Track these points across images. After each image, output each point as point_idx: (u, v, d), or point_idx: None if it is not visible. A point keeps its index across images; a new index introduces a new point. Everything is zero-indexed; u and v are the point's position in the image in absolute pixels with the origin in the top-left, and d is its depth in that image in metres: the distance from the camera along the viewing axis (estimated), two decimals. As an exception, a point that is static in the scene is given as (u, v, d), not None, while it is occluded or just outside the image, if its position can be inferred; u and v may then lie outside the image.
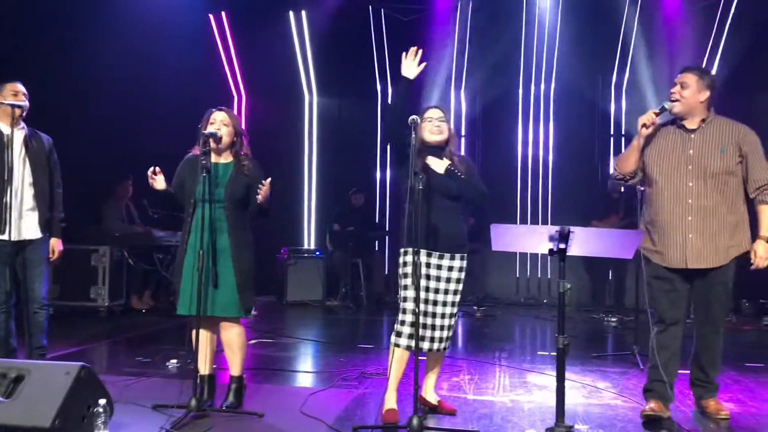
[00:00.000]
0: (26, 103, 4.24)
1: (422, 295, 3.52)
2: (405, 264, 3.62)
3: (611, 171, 3.80)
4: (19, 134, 4.27)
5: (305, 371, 5.07)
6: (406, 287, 3.58)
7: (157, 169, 3.72)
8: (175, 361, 4.98)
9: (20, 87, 4.30)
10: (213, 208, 3.78)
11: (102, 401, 3.16)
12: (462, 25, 9.64)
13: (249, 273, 3.88)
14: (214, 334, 3.93)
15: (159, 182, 3.73)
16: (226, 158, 3.91)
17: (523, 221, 9.63)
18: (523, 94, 9.74)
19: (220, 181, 3.82)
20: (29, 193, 4.26)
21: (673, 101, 3.65)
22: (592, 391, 4.47)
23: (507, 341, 6.37)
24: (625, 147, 8.81)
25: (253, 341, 6.32)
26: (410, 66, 3.56)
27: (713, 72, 8.92)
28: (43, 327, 4.35)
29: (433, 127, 3.68)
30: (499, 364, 5.33)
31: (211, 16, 9.48)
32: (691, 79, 3.65)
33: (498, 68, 9.60)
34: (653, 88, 8.85)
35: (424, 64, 3.57)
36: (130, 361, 5.20)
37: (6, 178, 4.16)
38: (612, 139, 9.65)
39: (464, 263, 3.69)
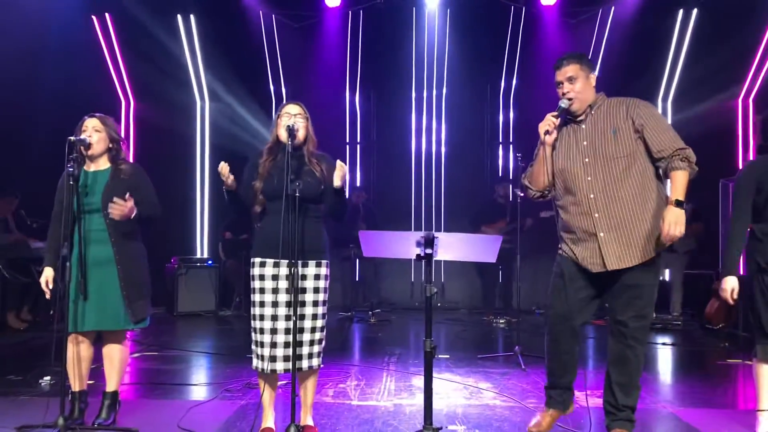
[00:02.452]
0: None
1: (268, 311, 3.38)
2: (254, 277, 3.46)
3: (522, 192, 3.45)
4: None
5: (189, 384, 4.93)
6: (258, 303, 3.43)
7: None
8: (48, 378, 4.74)
9: None
10: (91, 217, 3.62)
11: (-46, 425, 2.97)
12: (354, 33, 9.73)
13: (140, 282, 3.72)
14: (91, 348, 3.75)
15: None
16: (103, 165, 3.75)
17: (417, 226, 9.79)
18: (416, 102, 9.93)
19: (96, 188, 3.65)
20: None
21: (569, 99, 3.32)
22: (473, 392, 4.59)
23: (398, 345, 6.44)
24: (513, 155, 9.23)
25: (136, 354, 6.12)
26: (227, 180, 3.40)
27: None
28: None
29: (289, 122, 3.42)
30: (387, 368, 5.38)
31: (94, 18, 9.12)
32: (574, 69, 3.32)
33: (391, 75, 9.79)
34: (542, 95, 9.25)
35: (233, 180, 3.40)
36: (0, 381, 4.90)
37: None
38: (501, 146, 9.98)
39: (322, 270, 3.47)
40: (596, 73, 3.47)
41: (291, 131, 3.34)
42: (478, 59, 9.58)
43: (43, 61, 7.79)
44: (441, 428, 3.03)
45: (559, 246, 3.43)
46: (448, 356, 5.99)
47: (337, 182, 3.35)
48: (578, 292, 3.33)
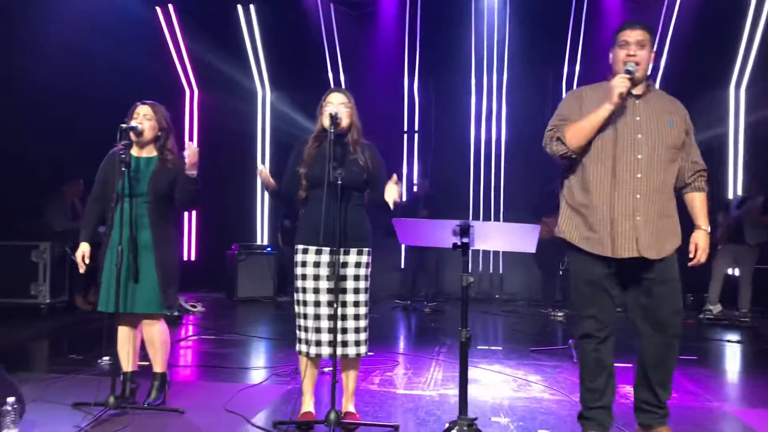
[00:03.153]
0: None
1: (311, 297, 3.42)
2: (297, 264, 3.49)
3: (553, 147, 3.07)
4: None
5: (241, 367, 5.03)
6: (301, 289, 3.47)
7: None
8: (107, 358, 4.90)
9: None
10: (135, 202, 3.72)
11: (11, 399, 3.10)
12: (412, 20, 9.67)
13: (172, 269, 3.80)
14: (138, 330, 3.87)
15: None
16: (150, 152, 3.84)
17: (476, 216, 9.68)
18: (476, 89, 9.79)
19: (142, 175, 3.75)
20: None
21: (636, 64, 3.03)
22: (522, 385, 4.51)
23: (450, 336, 6.39)
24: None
25: (194, 337, 6.28)
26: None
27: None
28: None
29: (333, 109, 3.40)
30: (437, 358, 5.35)
31: (158, 9, 9.36)
32: (645, 35, 3.06)
33: (450, 62, 9.67)
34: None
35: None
36: (63, 359, 5.12)
37: None
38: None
39: (363, 258, 3.47)
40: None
41: (334, 119, 3.34)
42: (540, 45, 9.34)
43: (109, 51, 8.03)
44: (476, 419, 2.97)
45: (569, 241, 3.10)
46: (500, 348, 5.91)
47: (389, 202, 3.34)
48: (613, 296, 3.09)
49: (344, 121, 3.44)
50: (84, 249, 3.74)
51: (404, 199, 9.42)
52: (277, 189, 3.57)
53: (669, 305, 3.06)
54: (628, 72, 3.01)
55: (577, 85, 9.41)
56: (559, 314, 7.85)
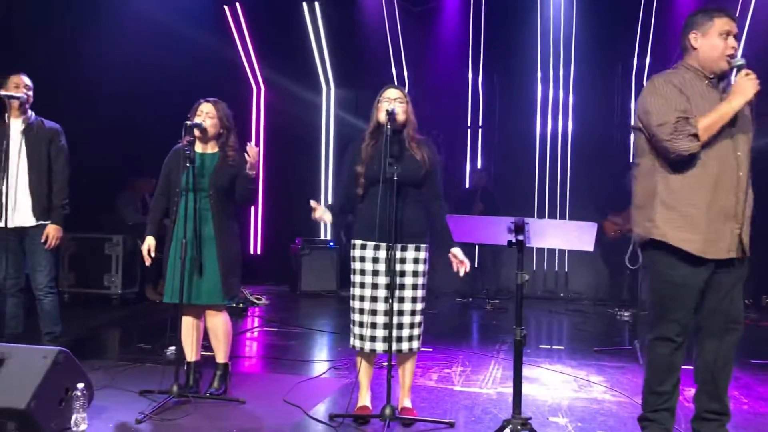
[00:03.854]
0: (23, 95, 4.28)
1: (368, 292, 3.44)
2: (354, 259, 3.52)
3: (685, 143, 2.75)
4: (19, 125, 4.34)
5: (302, 360, 5.10)
6: (358, 285, 3.49)
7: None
8: (172, 348, 5.05)
9: (23, 79, 4.36)
10: (198, 197, 3.83)
11: (80, 385, 3.24)
12: (475, 14, 9.57)
13: (234, 261, 3.90)
14: (201, 321, 3.98)
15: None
16: (212, 149, 3.96)
17: (541, 213, 9.52)
18: (541, 83, 9.60)
19: (204, 171, 3.86)
20: (24, 182, 4.32)
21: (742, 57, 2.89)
22: (583, 385, 4.42)
23: (511, 334, 6.28)
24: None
25: (258, 329, 6.41)
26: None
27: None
28: (51, 313, 4.38)
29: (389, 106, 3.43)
30: (497, 356, 5.29)
31: (226, 8, 9.58)
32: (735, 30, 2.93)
33: (515, 56, 9.52)
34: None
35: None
36: (132, 348, 5.32)
37: (3, 167, 4.25)
38: (633, 130, 9.43)
39: (421, 254, 3.47)
40: None
41: (391, 116, 3.35)
42: (608, 36, 9.07)
43: (178, 51, 8.27)
44: (530, 418, 2.93)
45: (666, 241, 2.87)
46: (563, 347, 5.81)
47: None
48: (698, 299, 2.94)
49: (400, 117, 3.45)
50: (149, 242, 3.88)
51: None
52: (335, 209, 3.61)
53: (740, 304, 2.98)
54: (740, 67, 2.89)
55: (648, 78, 9.18)
56: (626, 314, 7.64)
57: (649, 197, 2.95)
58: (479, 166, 9.77)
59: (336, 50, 9.92)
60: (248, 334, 6.19)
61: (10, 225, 4.26)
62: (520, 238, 2.73)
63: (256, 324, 6.74)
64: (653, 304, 3.02)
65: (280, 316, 7.21)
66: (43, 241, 4.32)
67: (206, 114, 3.88)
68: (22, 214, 4.32)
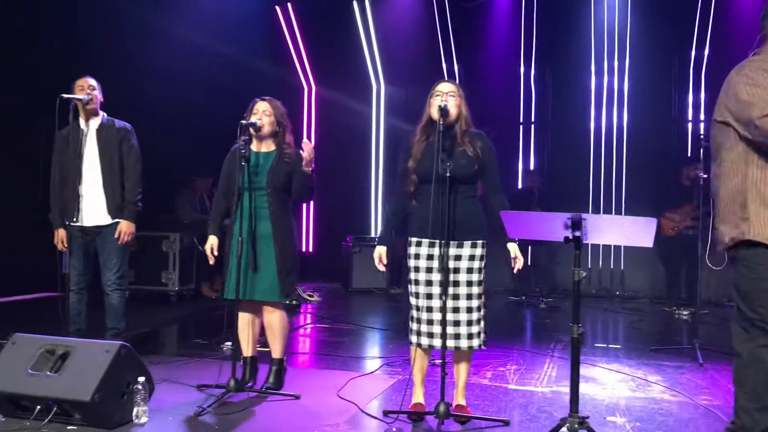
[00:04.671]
0: (85, 96, 4.38)
1: (423, 289, 3.44)
2: (410, 256, 3.53)
3: None
4: (91, 126, 4.46)
5: (355, 356, 5.13)
6: (414, 281, 3.50)
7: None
8: (229, 343, 5.13)
9: (88, 81, 4.46)
10: (255, 195, 3.89)
11: (141, 379, 3.34)
12: (528, 7, 9.45)
13: (290, 258, 3.94)
14: (258, 317, 4.04)
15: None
16: (269, 147, 4.00)
17: (595, 210, 9.35)
18: (596, 76, 9.42)
19: (261, 169, 3.91)
20: (98, 182, 4.43)
21: None
22: (640, 384, 4.33)
23: (566, 332, 6.18)
24: (705, 132, 8.40)
25: (310, 326, 6.48)
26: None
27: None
28: (117, 309, 4.49)
29: (441, 101, 3.41)
30: (551, 355, 5.22)
31: (277, 8, 9.70)
32: None
33: (568, 49, 9.37)
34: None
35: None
36: (189, 344, 5.44)
37: (78, 168, 4.38)
38: (690, 124, 9.19)
39: (477, 251, 3.45)
40: None
41: (444, 111, 3.33)
42: (665, 27, 8.82)
43: (230, 51, 8.41)
44: (588, 417, 2.88)
45: (752, 239, 2.65)
46: (619, 346, 5.70)
47: None
48: None
49: (453, 112, 3.42)
50: (212, 242, 3.96)
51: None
52: (396, 215, 3.68)
53: None
54: None
55: (707, 71, 8.91)
56: (685, 313, 7.44)
57: (740, 195, 2.72)
58: (532, 164, 9.65)
59: (386, 47, 9.94)
60: (301, 331, 6.26)
61: (84, 224, 4.39)
62: (577, 234, 2.68)
63: (308, 321, 6.81)
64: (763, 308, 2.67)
65: (331, 313, 7.28)
66: (115, 237, 4.41)
67: (262, 112, 3.92)
68: (96, 213, 4.42)
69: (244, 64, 8.55)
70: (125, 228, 4.44)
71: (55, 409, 3.18)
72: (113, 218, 4.43)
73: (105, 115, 4.53)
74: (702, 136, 5.24)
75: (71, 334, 4.36)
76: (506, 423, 3.42)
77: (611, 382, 4.38)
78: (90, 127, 4.46)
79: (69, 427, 3.20)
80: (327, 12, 9.52)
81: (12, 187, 7.05)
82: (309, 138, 10.03)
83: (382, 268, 3.62)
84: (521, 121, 9.78)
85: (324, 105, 10.25)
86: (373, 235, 9.92)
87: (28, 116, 6.71)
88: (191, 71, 8.08)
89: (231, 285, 3.86)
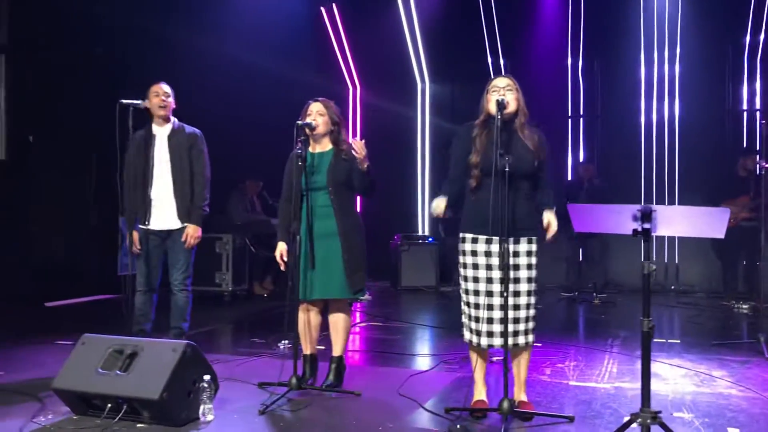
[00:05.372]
0: (139, 102, 4.45)
1: (482, 286, 3.41)
2: (465, 253, 3.49)
3: None
4: (163, 131, 4.58)
5: (409, 354, 5.14)
6: (471, 279, 3.48)
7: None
8: (286, 341, 5.21)
9: (162, 87, 4.57)
10: (317, 195, 3.92)
11: (207, 377, 3.40)
12: (575, -1, 9.33)
13: (358, 255, 3.95)
14: (320, 316, 4.06)
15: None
16: (325, 146, 4.02)
17: (648, 202, 9.15)
18: (645, 67, 9.23)
19: (320, 168, 3.94)
20: (168, 186, 4.54)
21: None
22: (705, 380, 4.23)
23: (623, 328, 6.10)
24: (759, 122, 8.17)
25: (362, 324, 6.50)
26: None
27: None
28: (182, 309, 4.58)
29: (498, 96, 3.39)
30: (610, 351, 5.14)
31: (322, 9, 9.76)
32: None
33: (617, 41, 9.20)
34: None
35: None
36: (246, 342, 5.51)
37: (150, 173, 4.51)
38: (745, 114, 8.94)
39: (534, 247, 3.44)
40: None
41: (501, 105, 3.31)
42: (717, 13, 8.57)
43: (275, 53, 8.50)
44: (660, 412, 2.82)
45: None
46: (678, 341, 5.58)
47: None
48: None
49: (511, 106, 3.40)
50: (281, 248, 3.98)
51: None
52: (452, 199, 3.58)
53: None
54: None
55: (762, 58, 8.65)
56: (744, 306, 7.25)
57: None
58: (581, 158, 9.50)
59: (430, 44, 9.91)
60: (353, 329, 6.28)
61: (155, 227, 4.51)
62: (647, 226, 2.63)
63: (359, 319, 6.83)
64: None
65: (382, 311, 7.29)
66: (183, 240, 4.51)
67: (316, 112, 3.95)
68: (166, 217, 4.53)
69: (289, 65, 8.63)
70: (192, 232, 4.53)
71: (125, 407, 3.26)
72: (182, 222, 4.53)
73: (176, 120, 4.64)
74: (764, 122, 5.08)
75: (134, 334, 4.47)
76: (571, 419, 3.38)
77: (674, 378, 4.30)
78: (162, 133, 4.58)
79: (138, 425, 3.28)
80: (371, 11, 9.54)
81: (67, 192, 7.23)
82: (354, 136, 10.09)
83: (442, 208, 3.53)
84: (569, 114, 9.65)
85: (369, 105, 10.28)
86: (420, 233, 9.91)
87: (84, 121, 6.88)
88: (236, 73, 8.19)
89: (301, 285, 3.88)
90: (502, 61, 9.62)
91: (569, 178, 9.39)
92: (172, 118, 4.61)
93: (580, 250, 8.74)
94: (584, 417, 3.47)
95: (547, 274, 7.34)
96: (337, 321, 4.02)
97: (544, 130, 3.60)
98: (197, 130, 4.67)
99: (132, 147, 4.53)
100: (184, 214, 4.52)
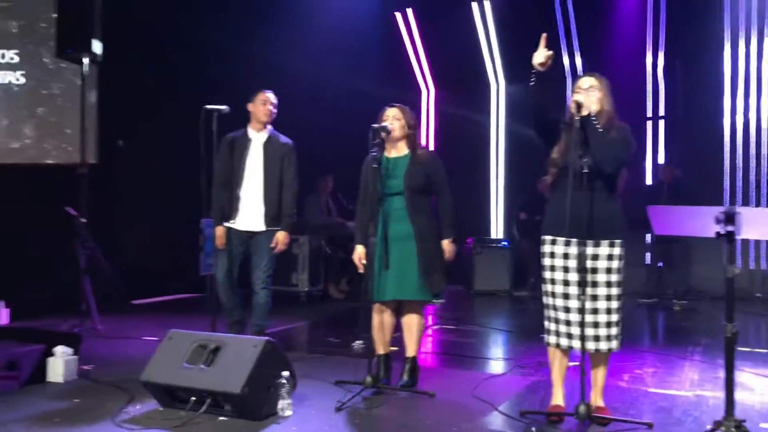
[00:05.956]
0: (225, 108, 4.60)
1: (559, 288, 3.38)
2: (545, 255, 3.47)
3: None
4: (260, 138, 4.79)
5: (483, 357, 5.13)
6: (549, 281, 3.45)
7: None
8: (360, 341, 5.28)
9: (269, 96, 4.79)
10: (393, 198, 3.99)
11: (285, 373, 3.50)
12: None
13: (434, 257, 4.01)
14: (394, 317, 4.12)
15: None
16: (400, 151, 4.09)
17: (733, 204, 8.81)
18: (731, 66, 8.86)
19: (397, 172, 4.01)
20: (259, 191, 4.74)
21: None
22: (793, 390, 4.05)
23: (705, 336, 5.90)
24: None
25: (436, 326, 6.52)
26: (538, 55, 3.37)
27: None
28: (263, 307, 4.78)
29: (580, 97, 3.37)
30: (691, 358, 4.99)
31: (397, 14, 9.85)
32: None
33: (699, 38, 8.86)
34: None
35: (552, 53, 3.34)
36: (322, 341, 5.63)
37: (241, 175, 4.71)
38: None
39: (616, 250, 3.37)
40: None
41: (579, 106, 3.29)
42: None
43: (350, 57, 8.63)
44: (744, 421, 2.74)
45: None
46: (765, 351, 5.35)
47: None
48: None
49: (594, 107, 3.36)
50: (360, 251, 4.06)
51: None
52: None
53: None
54: None
55: None
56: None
57: None
58: (661, 159, 9.22)
59: (505, 45, 9.83)
60: (429, 332, 6.30)
61: (241, 228, 4.72)
62: (731, 228, 2.56)
63: (431, 322, 6.85)
64: None
65: (456, 314, 7.27)
66: (272, 246, 4.70)
67: (392, 117, 4.02)
68: (254, 219, 4.73)
69: (363, 69, 8.75)
70: (282, 238, 4.72)
71: (208, 400, 3.40)
72: (267, 227, 4.70)
73: (272, 128, 4.84)
74: None
75: (232, 326, 4.68)
76: (650, 426, 3.31)
77: (760, 388, 4.14)
78: (258, 138, 4.78)
79: (220, 418, 3.40)
80: (446, 14, 9.56)
81: (153, 195, 7.53)
82: (428, 141, 10.12)
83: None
84: (649, 115, 9.37)
85: (443, 107, 10.28)
86: (494, 236, 9.84)
87: (170, 127, 7.16)
88: (311, 76, 8.35)
89: (375, 287, 3.95)
90: (578, 60, 9.44)
91: (649, 181, 9.13)
92: (269, 126, 4.81)
93: (661, 255, 8.48)
94: (664, 424, 3.39)
95: (625, 279, 7.17)
96: (411, 322, 4.07)
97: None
98: (290, 141, 4.86)
99: (224, 147, 4.74)
100: (271, 219, 4.70)
